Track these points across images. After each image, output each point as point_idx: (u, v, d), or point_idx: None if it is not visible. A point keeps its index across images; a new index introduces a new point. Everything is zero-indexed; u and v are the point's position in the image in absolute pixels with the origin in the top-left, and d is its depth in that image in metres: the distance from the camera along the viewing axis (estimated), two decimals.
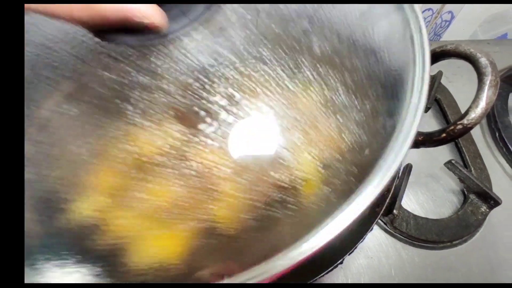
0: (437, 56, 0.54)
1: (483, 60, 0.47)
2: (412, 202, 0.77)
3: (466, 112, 0.47)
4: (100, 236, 0.42)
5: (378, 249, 0.72)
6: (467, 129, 0.48)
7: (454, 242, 0.72)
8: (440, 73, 0.90)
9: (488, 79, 0.46)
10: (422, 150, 0.84)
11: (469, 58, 0.49)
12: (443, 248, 0.72)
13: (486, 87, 0.46)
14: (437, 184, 0.80)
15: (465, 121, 0.48)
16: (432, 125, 0.89)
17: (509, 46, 1.01)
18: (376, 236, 0.73)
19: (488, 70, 0.46)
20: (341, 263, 0.49)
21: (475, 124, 0.48)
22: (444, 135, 0.50)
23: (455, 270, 0.69)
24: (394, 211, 0.68)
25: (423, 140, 0.55)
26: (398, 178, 0.72)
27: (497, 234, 0.74)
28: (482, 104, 0.46)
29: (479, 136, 0.87)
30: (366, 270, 0.69)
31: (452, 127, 0.49)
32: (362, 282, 0.68)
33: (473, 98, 0.47)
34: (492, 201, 0.72)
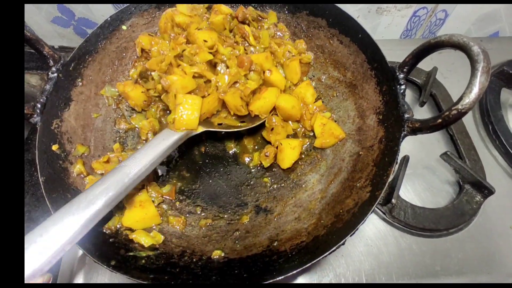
0: (432, 47, 0.57)
1: (476, 49, 0.49)
2: (409, 192, 0.79)
3: (460, 98, 0.50)
4: None
5: (377, 237, 0.74)
6: (461, 114, 0.51)
7: (450, 231, 0.74)
8: (435, 69, 0.93)
9: (480, 66, 0.48)
10: (418, 142, 0.87)
11: (462, 47, 0.51)
12: (440, 236, 0.74)
13: (479, 73, 0.48)
14: (434, 175, 0.82)
15: (459, 106, 0.50)
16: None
17: (500, 44, 1.05)
18: (376, 225, 0.75)
19: (480, 57, 0.48)
20: (343, 244, 0.51)
21: (469, 109, 0.50)
22: (439, 120, 0.53)
23: (451, 257, 0.71)
24: (393, 200, 0.71)
25: (420, 127, 0.57)
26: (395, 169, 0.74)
27: (492, 222, 0.76)
28: (475, 90, 0.49)
29: (473, 130, 0.89)
30: (366, 257, 0.71)
31: (447, 113, 0.52)
32: (362, 269, 0.70)
33: (467, 85, 0.50)
34: (486, 191, 0.74)
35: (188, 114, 0.64)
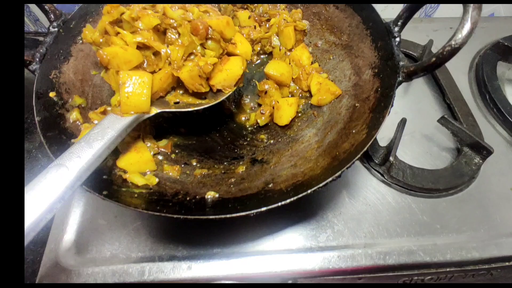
0: None
1: None
2: (408, 156, 0.79)
3: (453, 35, 0.51)
4: None
5: (376, 198, 0.73)
6: (455, 50, 0.51)
7: (449, 191, 0.73)
8: (430, 42, 0.94)
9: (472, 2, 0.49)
10: (416, 111, 0.87)
11: None
12: (439, 196, 0.73)
13: (471, 9, 0.49)
14: (432, 142, 0.82)
15: (452, 42, 0.51)
16: (425, 90, 0.92)
17: (496, 23, 1.07)
18: (374, 187, 0.74)
19: None
20: (339, 176, 0.50)
21: (462, 44, 0.51)
22: (434, 59, 0.54)
23: (450, 216, 0.70)
24: (390, 158, 0.70)
25: (415, 70, 0.57)
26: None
27: (491, 184, 0.75)
28: (468, 25, 0.50)
29: (471, 100, 0.89)
30: (365, 216, 0.70)
31: (441, 51, 0.52)
32: (361, 227, 0.68)
33: (460, 22, 0.50)
34: (485, 151, 0.74)
35: (136, 95, 0.54)
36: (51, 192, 0.41)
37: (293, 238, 0.66)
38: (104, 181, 0.53)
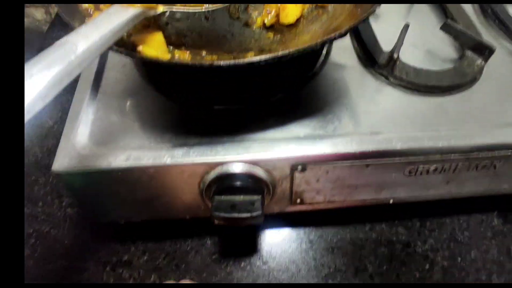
0: None
1: None
2: (411, 62, 0.80)
3: None
4: None
5: (381, 95, 0.75)
6: None
7: (452, 91, 0.75)
8: None
9: None
10: (418, 28, 0.88)
11: None
12: (443, 95, 0.75)
13: None
14: (434, 53, 0.84)
15: None
16: (431, 16, 0.93)
17: None
18: (379, 89, 0.76)
19: None
20: (345, 34, 0.52)
21: None
22: None
23: (454, 111, 0.72)
24: (394, 55, 0.72)
25: None
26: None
27: (493, 86, 0.77)
28: None
29: (473, 17, 0.91)
30: (371, 111, 0.72)
31: None
32: (367, 122, 0.70)
33: None
34: (486, 51, 0.75)
35: None
36: (59, 62, 0.39)
37: (301, 128, 0.68)
38: (120, 47, 0.54)
